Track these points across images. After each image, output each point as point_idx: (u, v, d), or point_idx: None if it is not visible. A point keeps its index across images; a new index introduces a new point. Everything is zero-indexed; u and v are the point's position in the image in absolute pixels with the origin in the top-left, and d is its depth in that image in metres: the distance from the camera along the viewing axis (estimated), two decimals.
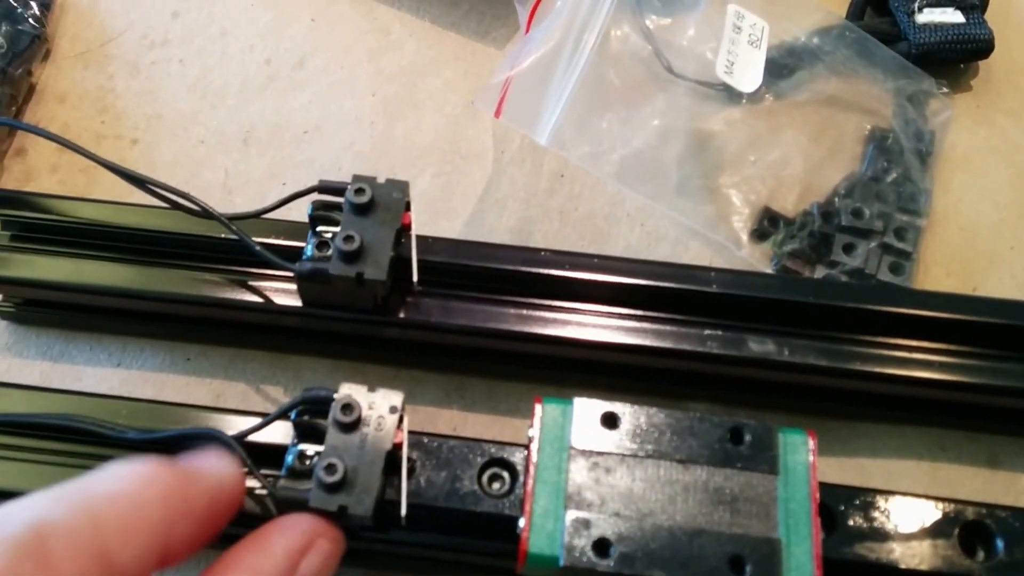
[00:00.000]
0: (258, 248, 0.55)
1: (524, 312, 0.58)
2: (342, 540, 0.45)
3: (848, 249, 0.64)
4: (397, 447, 0.48)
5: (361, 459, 0.47)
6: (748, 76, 0.68)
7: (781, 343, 0.57)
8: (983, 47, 0.73)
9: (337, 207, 0.55)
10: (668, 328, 0.57)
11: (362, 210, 0.54)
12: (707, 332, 0.57)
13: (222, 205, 0.57)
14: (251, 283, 0.58)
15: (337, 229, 0.54)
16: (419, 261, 0.56)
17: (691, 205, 0.67)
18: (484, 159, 0.71)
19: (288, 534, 0.43)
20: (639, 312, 0.58)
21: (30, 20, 0.72)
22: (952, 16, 0.73)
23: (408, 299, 0.58)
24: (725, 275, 0.59)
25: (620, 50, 0.67)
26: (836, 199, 0.66)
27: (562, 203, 0.69)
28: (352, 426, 0.47)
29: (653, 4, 0.69)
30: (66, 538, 0.36)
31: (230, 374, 0.63)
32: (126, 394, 0.60)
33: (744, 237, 0.66)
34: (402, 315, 0.57)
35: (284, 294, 0.58)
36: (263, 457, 0.50)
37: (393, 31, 0.76)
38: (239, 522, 0.47)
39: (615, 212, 0.69)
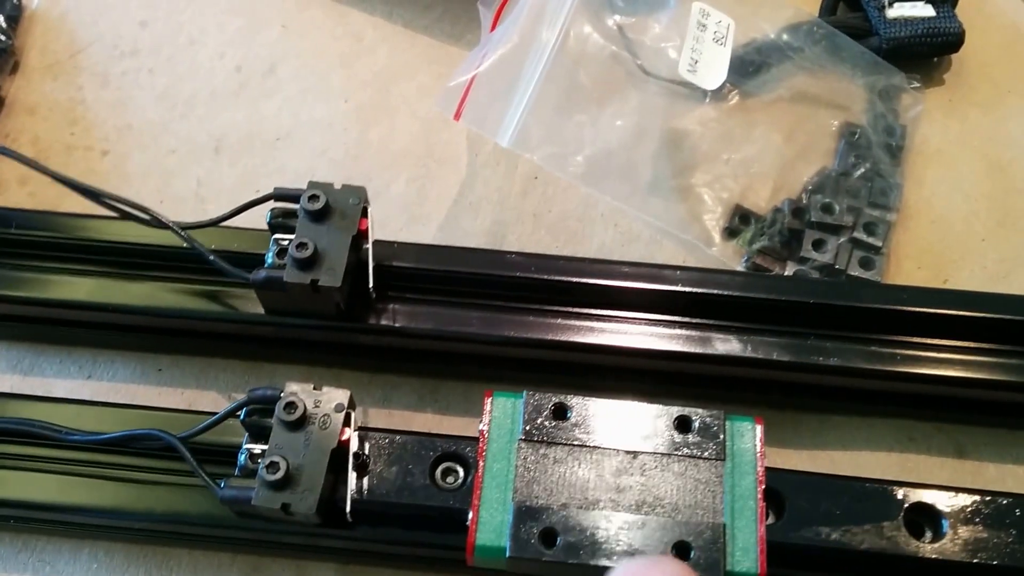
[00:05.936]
0: (212, 257, 0.59)
1: (491, 315, 0.61)
2: None
3: (818, 245, 0.67)
4: (345, 444, 0.52)
5: (306, 457, 0.51)
6: (712, 74, 0.71)
7: (745, 340, 0.60)
8: (954, 41, 0.76)
9: (295, 214, 0.58)
10: (635, 327, 0.61)
11: (317, 217, 0.57)
12: (675, 331, 0.61)
13: (195, 215, 0.60)
14: (217, 293, 0.62)
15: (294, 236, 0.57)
16: (386, 267, 0.60)
17: (663, 205, 0.70)
18: (458, 163, 0.74)
19: None
20: (607, 312, 0.62)
21: None
22: (922, 10, 0.76)
23: (378, 305, 0.61)
24: (691, 273, 0.62)
25: (586, 49, 0.70)
26: (806, 195, 0.70)
27: (536, 205, 0.73)
28: (296, 424, 0.51)
29: (615, 3, 0.72)
30: None
31: (202, 383, 0.66)
32: None
33: (716, 236, 0.69)
34: (369, 321, 0.61)
35: (250, 302, 0.61)
36: (229, 459, 0.54)
37: (366, 36, 0.80)
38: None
39: (588, 213, 0.72)
